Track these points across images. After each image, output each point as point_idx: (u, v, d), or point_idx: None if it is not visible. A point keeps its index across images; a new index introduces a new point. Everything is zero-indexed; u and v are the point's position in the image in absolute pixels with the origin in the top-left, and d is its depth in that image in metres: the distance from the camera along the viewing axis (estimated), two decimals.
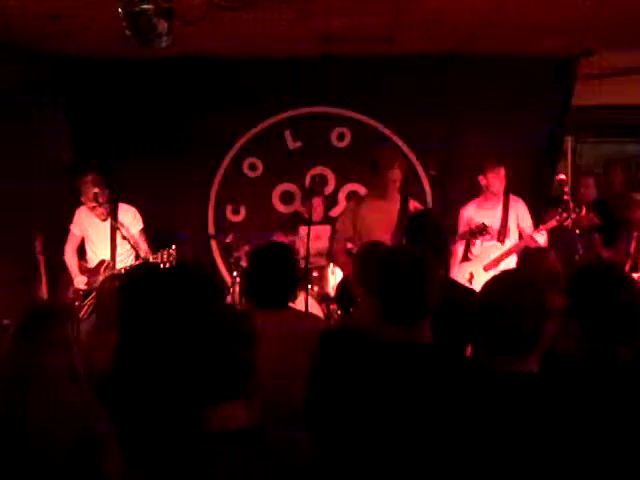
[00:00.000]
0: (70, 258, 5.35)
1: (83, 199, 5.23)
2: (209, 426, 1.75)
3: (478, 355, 2.06)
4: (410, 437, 2.09)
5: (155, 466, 1.72)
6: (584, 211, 5.15)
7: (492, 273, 5.08)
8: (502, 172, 5.28)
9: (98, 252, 5.29)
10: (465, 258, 5.47)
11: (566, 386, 2.09)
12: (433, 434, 2.01)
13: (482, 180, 5.34)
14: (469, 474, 1.92)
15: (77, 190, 5.27)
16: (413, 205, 4.86)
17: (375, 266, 2.44)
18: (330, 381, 2.35)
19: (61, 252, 5.40)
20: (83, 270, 5.31)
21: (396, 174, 4.79)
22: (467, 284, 4.89)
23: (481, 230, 4.99)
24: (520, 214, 5.36)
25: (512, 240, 5.30)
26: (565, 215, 5.05)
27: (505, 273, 2.33)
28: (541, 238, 5.19)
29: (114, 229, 5.21)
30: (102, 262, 5.24)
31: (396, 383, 2.20)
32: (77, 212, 5.36)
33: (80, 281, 5.23)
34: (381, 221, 4.74)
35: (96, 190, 5.13)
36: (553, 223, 5.14)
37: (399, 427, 2.15)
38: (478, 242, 5.31)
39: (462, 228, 5.34)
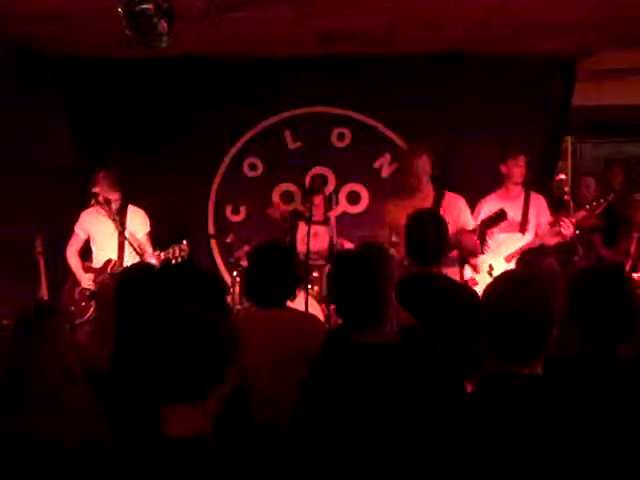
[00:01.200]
0: (72, 258, 5.34)
1: (95, 199, 5.18)
2: (166, 429, 1.73)
3: (485, 358, 2.06)
4: (411, 440, 2.09)
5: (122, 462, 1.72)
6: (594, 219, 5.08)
7: (513, 264, 5.06)
8: (522, 160, 5.21)
9: (105, 251, 5.27)
10: (481, 251, 5.36)
11: (571, 388, 2.09)
12: (436, 438, 2.01)
13: (502, 169, 5.25)
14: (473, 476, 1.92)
15: (87, 190, 5.23)
16: (450, 197, 4.62)
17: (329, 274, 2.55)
18: (330, 383, 2.37)
19: (61, 252, 5.39)
20: (88, 270, 5.29)
21: (424, 162, 4.64)
22: (487, 276, 4.82)
23: (499, 216, 4.70)
24: (541, 209, 5.26)
25: (532, 233, 5.18)
26: (594, 205, 4.98)
27: (508, 274, 2.33)
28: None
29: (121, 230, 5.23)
30: (109, 261, 5.23)
31: (395, 384, 2.22)
32: (83, 214, 5.34)
33: (87, 280, 5.21)
34: None
35: (108, 190, 5.17)
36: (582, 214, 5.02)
37: (402, 431, 2.16)
38: (495, 234, 5.15)
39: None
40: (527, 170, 5.26)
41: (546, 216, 5.26)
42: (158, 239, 5.44)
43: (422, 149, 4.71)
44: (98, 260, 5.31)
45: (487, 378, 2.02)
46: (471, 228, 4.63)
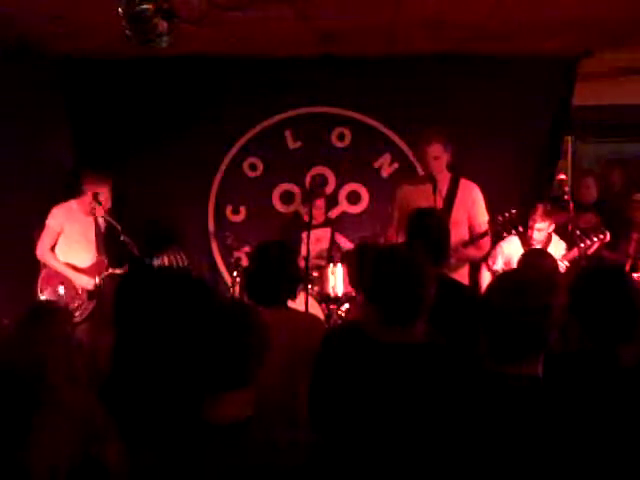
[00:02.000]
0: (48, 254, 5.12)
1: (81, 197, 5.18)
2: (209, 418, 1.75)
3: (484, 358, 2.06)
4: (416, 440, 2.09)
5: (158, 455, 1.73)
6: (607, 236, 4.97)
7: None
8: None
9: (74, 249, 5.18)
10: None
11: (572, 388, 2.09)
12: (440, 437, 2.02)
13: None
14: (473, 475, 1.92)
15: (75, 188, 5.23)
16: (465, 186, 4.53)
17: (367, 268, 2.43)
18: (331, 381, 2.36)
19: None
20: (78, 270, 5.18)
21: (436, 149, 4.49)
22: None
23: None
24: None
25: None
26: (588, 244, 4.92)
27: (507, 275, 2.33)
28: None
29: (109, 227, 5.20)
30: (100, 261, 5.24)
31: (392, 384, 2.22)
32: (55, 209, 5.17)
33: (87, 282, 5.15)
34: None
35: (97, 190, 5.13)
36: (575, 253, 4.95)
37: (405, 430, 2.16)
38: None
39: None
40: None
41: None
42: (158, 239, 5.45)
43: (433, 136, 4.56)
44: (65, 257, 5.17)
45: (485, 378, 2.02)
46: (485, 219, 4.54)
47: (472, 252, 4.51)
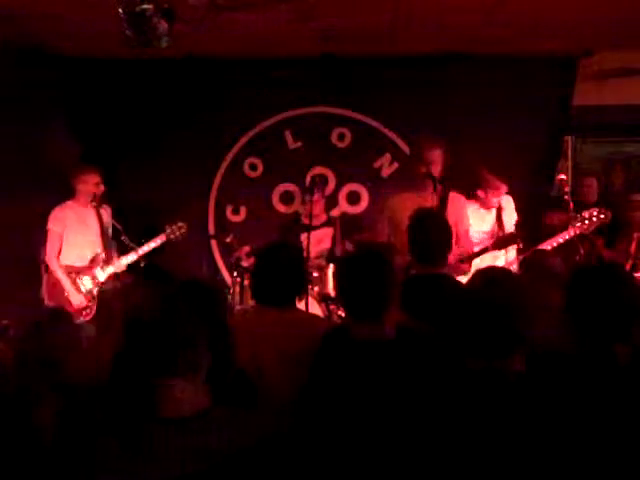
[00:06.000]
0: (56, 263, 5.17)
1: (76, 195, 5.25)
2: (162, 410, 1.73)
3: (462, 353, 2.08)
4: (406, 436, 2.10)
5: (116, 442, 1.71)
6: (608, 216, 4.83)
7: None
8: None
9: (83, 246, 5.24)
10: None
11: (561, 385, 2.09)
12: (427, 434, 2.02)
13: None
14: (461, 471, 1.93)
15: (73, 186, 5.28)
16: (454, 198, 4.51)
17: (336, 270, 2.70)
18: (319, 381, 2.40)
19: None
20: (76, 271, 5.21)
21: (436, 154, 4.48)
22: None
23: (512, 238, 4.65)
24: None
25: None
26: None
27: (482, 272, 2.34)
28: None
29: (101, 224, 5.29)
30: (96, 256, 5.25)
31: (365, 381, 2.29)
32: (53, 212, 5.22)
33: (80, 301, 5.16)
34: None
35: (96, 188, 5.22)
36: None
37: (391, 430, 2.17)
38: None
39: None
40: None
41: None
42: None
43: (433, 141, 4.58)
44: (66, 256, 5.22)
45: (465, 374, 2.03)
46: (468, 227, 4.60)
47: (468, 269, 4.48)
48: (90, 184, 5.24)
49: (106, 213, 5.41)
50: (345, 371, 2.34)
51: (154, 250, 5.33)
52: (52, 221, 5.20)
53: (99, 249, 5.27)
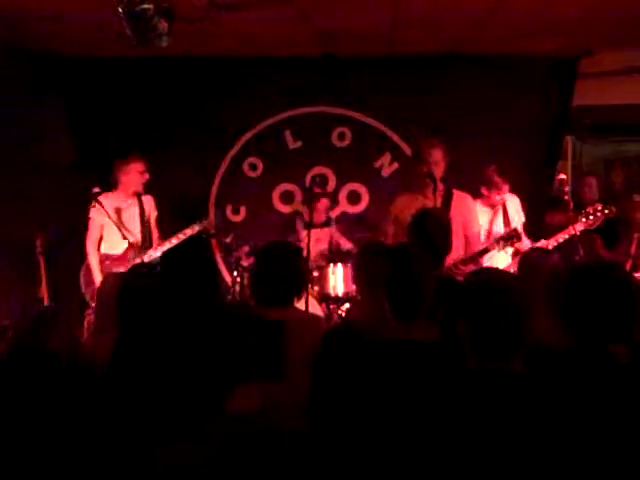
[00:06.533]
0: (94, 256, 5.20)
1: (123, 186, 5.23)
2: (228, 409, 1.77)
3: (468, 355, 2.08)
4: (408, 436, 2.10)
5: (186, 446, 1.74)
6: (613, 211, 4.79)
7: None
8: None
9: (128, 233, 5.20)
10: None
11: (561, 385, 2.09)
12: (429, 433, 2.02)
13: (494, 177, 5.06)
14: (462, 473, 1.93)
15: (114, 177, 5.25)
16: (458, 197, 4.49)
17: (382, 263, 2.68)
18: (332, 380, 2.37)
19: (62, 252, 5.38)
20: (112, 259, 5.19)
21: (438, 154, 4.47)
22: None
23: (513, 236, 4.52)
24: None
25: None
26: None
27: (480, 273, 2.34)
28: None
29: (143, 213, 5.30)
30: (131, 245, 5.19)
31: (393, 381, 2.24)
32: (101, 199, 5.12)
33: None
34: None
35: (141, 176, 5.21)
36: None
37: (397, 427, 2.16)
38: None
39: None
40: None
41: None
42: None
43: (435, 141, 4.57)
44: (105, 245, 5.24)
45: (465, 375, 2.03)
46: (478, 229, 4.58)
47: (471, 269, 4.46)
48: (134, 173, 5.21)
49: (148, 203, 5.38)
50: (357, 371, 2.31)
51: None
52: (93, 211, 5.19)
53: (136, 238, 5.23)
